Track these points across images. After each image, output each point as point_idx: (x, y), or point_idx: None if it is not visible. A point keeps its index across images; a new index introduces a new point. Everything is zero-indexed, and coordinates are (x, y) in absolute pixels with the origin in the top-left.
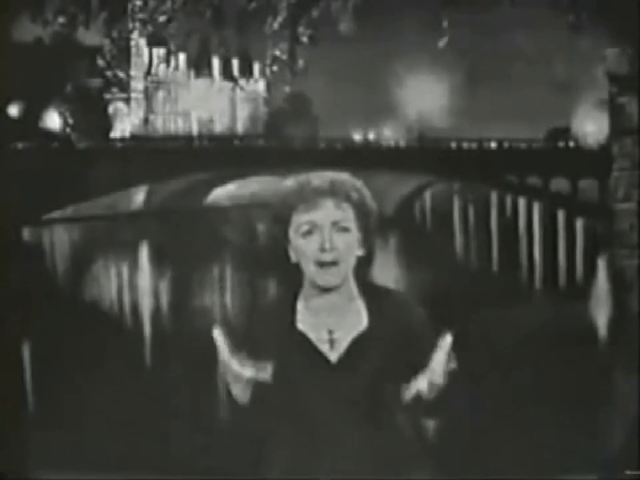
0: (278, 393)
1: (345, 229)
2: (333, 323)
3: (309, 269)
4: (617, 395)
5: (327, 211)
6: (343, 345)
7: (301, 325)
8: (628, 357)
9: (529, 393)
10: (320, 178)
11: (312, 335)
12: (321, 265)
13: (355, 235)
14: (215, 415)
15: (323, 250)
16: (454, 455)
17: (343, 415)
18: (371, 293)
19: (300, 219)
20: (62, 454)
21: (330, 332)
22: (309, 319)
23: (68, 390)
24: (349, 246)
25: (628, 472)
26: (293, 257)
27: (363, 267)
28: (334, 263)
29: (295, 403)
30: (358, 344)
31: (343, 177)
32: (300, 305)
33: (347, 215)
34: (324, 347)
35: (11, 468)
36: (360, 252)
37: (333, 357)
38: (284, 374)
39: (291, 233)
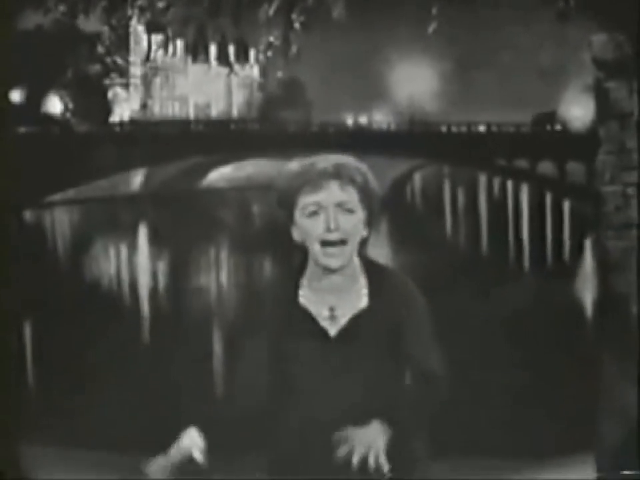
0: (277, 364)
1: (350, 210)
2: (334, 301)
3: (314, 249)
4: (603, 371)
5: (332, 193)
6: (343, 321)
7: (302, 300)
8: (613, 333)
9: (518, 370)
10: (325, 161)
11: (313, 310)
12: (326, 244)
13: (359, 216)
14: (211, 391)
15: (328, 230)
16: (444, 432)
17: (340, 389)
18: (373, 272)
19: (306, 200)
20: (59, 430)
21: (331, 309)
22: (312, 296)
23: (68, 366)
24: (354, 226)
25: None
26: (297, 237)
27: (364, 246)
28: (340, 242)
29: (293, 374)
30: (358, 320)
31: (347, 160)
32: (304, 283)
33: (352, 197)
34: (324, 323)
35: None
36: (365, 232)
37: (333, 331)
38: (284, 345)
39: (297, 215)
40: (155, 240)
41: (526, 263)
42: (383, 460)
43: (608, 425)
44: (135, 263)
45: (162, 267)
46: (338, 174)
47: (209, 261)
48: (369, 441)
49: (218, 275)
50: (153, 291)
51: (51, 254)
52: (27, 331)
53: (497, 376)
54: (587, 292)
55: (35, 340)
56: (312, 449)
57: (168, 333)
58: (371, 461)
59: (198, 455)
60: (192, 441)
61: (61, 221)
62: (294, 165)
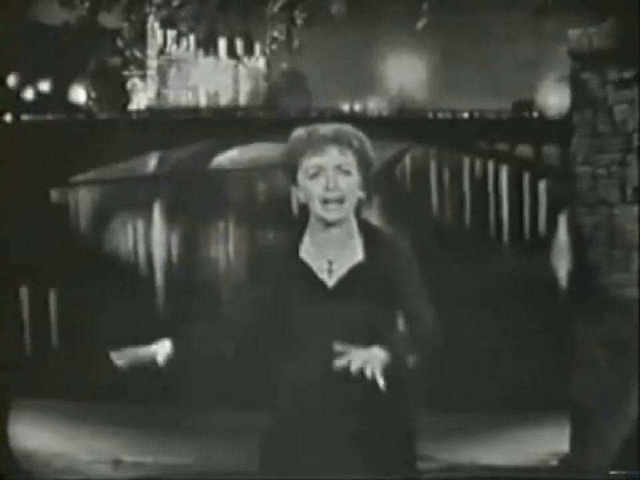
0: (278, 315)
1: (347, 172)
2: (332, 255)
3: (316, 207)
4: (575, 335)
5: (332, 156)
6: (340, 273)
7: (303, 255)
8: (585, 300)
9: (498, 334)
10: (326, 127)
11: (313, 264)
12: (326, 201)
13: (356, 177)
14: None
15: (327, 189)
16: (430, 386)
17: (338, 336)
18: (368, 231)
19: (308, 163)
20: (77, 381)
21: (330, 262)
22: (312, 250)
23: (89, 330)
24: (351, 187)
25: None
26: (302, 198)
27: (361, 208)
28: (338, 201)
29: (294, 323)
30: (353, 274)
31: (346, 127)
32: (306, 238)
33: (349, 160)
34: (323, 275)
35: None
36: (360, 194)
37: (330, 282)
38: (285, 296)
39: (300, 176)
40: (169, 216)
41: (505, 237)
42: (379, 374)
43: (580, 383)
44: (150, 237)
45: (175, 240)
46: (337, 139)
47: (218, 234)
48: (368, 357)
49: (226, 246)
50: (167, 262)
51: (74, 229)
52: (53, 298)
53: (478, 340)
54: (561, 263)
55: (59, 307)
56: (310, 394)
57: (180, 300)
58: (368, 373)
59: (160, 359)
60: (162, 348)
61: (83, 199)
62: (299, 130)
